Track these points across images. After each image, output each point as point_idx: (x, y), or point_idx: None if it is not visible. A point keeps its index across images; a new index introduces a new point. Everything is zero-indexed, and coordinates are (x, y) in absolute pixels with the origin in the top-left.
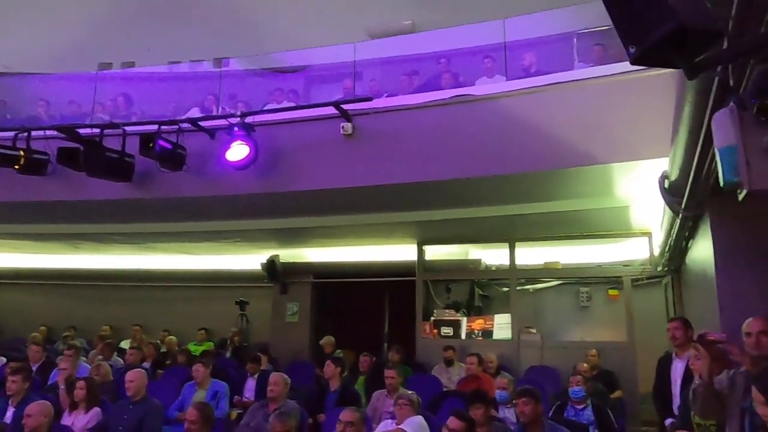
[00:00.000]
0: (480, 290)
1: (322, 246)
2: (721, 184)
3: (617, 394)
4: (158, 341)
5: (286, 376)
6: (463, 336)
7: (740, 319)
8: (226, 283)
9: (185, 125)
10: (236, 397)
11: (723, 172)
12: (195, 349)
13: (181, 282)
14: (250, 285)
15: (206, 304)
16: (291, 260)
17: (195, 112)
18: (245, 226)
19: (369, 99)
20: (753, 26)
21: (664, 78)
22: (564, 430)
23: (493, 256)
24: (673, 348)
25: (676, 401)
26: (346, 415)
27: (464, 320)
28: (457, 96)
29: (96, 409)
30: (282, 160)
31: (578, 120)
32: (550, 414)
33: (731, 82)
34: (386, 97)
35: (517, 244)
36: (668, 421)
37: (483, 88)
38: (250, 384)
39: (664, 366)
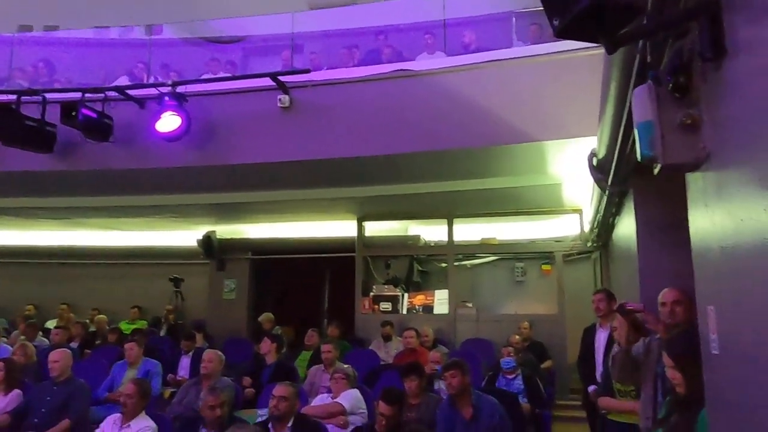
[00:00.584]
0: (419, 266)
1: (260, 222)
2: (639, 158)
3: (547, 364)
4: (87, 320)
5: (220, 353)
6: (403, 311)
7: (658, 291)
8: (160, 259)
9: (112, 94)
10: (170, 375)
11: (640, 146)
12: (126, 327)
13: (112, 259)
14: (186, 262)
15: (139, 282)
16: (228, 236)
17: (124, 81)
18: (179, 201)
19: (307, 71)
20: (671, 2)
21: (597, 58)
22: (490, 399)
23: (431, 232)
24: (598, 319)
25: (600, 369)
26: (279, 389)
27: (405, 296)
28: (397, 71)
29: (16, 391)
30: (216, 133)
31: (514, 98)
32: (483, 384)
33: (649, 59)
34: (326, 70)
35: (455, 220)
36: (591, 388)
37: (423, 63)
38: (185, 362)
39: (588, 336)
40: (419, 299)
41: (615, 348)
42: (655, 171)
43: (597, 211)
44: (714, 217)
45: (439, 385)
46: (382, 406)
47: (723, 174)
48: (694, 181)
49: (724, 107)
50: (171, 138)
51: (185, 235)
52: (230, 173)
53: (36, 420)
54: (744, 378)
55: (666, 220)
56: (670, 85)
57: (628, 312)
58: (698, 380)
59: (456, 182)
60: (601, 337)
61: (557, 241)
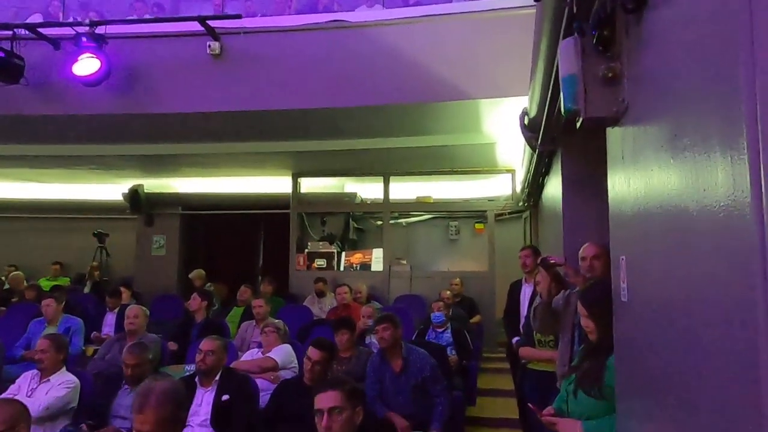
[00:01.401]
0: (355, 224)
1: (190, 176)
2: (563, 112)
3: (476, 319)
4: (2, 278)
5: (145, 309)
6: (341, 268)
7: (580, 246)
8: (83, 214)
9: (22, 32)
10: (94, 333)
11: (564, 100)
12: (47, 284)
13: (30, 213)
14: (111, 217)
15: (61, 237)
16: (156, 190)
17: (37, 19)
18: (102, 152)
19: (238, 16)
20: None
21: (531, 17)
22: (421, 351)
23: (368, 190)
24: (524, 275)
25: (524, 322)
26: (206, 344)
27: (342, 255)
28: (332, 21)
29: None
30: (140, 79)
31: (449, 54)
32: (414, 337)
33: (575, 10)
34: (260, 17)
35: (391, 178)
36: (515, 340)
37: (359, 14)
38: (110, 319)
39: (514, 291)
40: (357, 258)
41: (537, 300)
42: (578, 125)
43: (528, 171)
44: (628, 170)
45: (371, 339)
46: (312, 351)
47: (639, 128)
48: (613, 135)
49: (642, 60)
50: (90, 82)
51: (110, 189)
52: (156, 123)
53: None
54: (647, 322)
55: (590, 179)
56: (594, 38)
57: (550, 265)
58: (609, 328)
59: (392, 139)
60: (526, 292)
61: (490, 200)
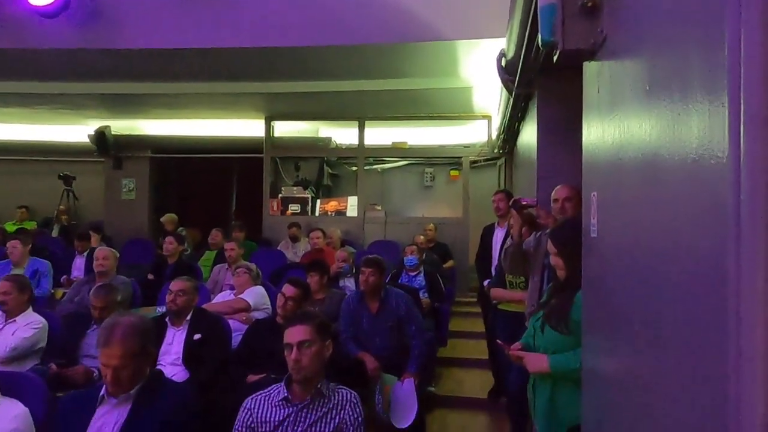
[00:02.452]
0: (330, 169)
1: (160, 118)
2: (540, 45)
3: (449, 264)
4: None
5: (114, 250)
6: (315, 213)
7: (552, 189)
8: (48, 156)
9: None
10: (63, 276)
11: (541, 31)
12: (12, 228)
13: None
14: (78, 159)
15: (25, 180)
16: (125, 132)
17: None
18: (64, 89)
19: None
20: None
21: None
22: (397, 291)
23: (343, 135)
24: (497, 219)
25: (495, 264)
26: (176, 284)
27: (318, 202)
28: None
29: None
30: (103, 11)
31: None
32: (387, 280)
33: None
34: None
35: (366, 123)
36: (486, 282)
37: None
38: (79, 262)
39: (487, 235)
40: (332, 205)
41: (508, 242)
42: (555, 58)
43: (504, 116)
44: (602, 104)
45: (344, 282)
46: (287, 288)
47: (616, 62)
48: (590, 69)
49: None
50: (47, 13)
51: (76, 130)
52: (121, 60)
53: None
54: (616, 259)
55: (565, 122)
56: None
57: (522, 207)
58: (577, 266)
59: (367, 82)
60: (498, 236)
61: (466, 147)
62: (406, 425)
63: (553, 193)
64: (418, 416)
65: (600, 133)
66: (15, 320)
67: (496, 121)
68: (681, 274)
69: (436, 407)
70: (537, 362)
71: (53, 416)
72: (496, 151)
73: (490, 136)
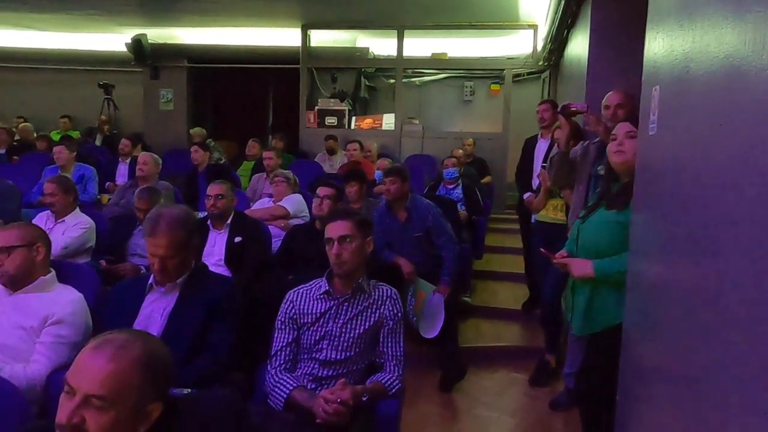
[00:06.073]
0: (367, 81)
1: (196, 25)
2: None
3: (487, 179)
4: (12, 129)
5: (156, 156)
6: (351, 126)
7: (603, 96)
8: (87, 65)
9: None
10: (108, 183)
11: None
12: (57, 137)
13: (32, 63)
14: (117, 69)
15: (66, 90)
16: (161, 41)
17: None
18: None
19: None
20: None
21: None
22: (423, 201)
23: (381, 45)
24: (540, 130)
25: (536, 180)
26: (213, 188)
27: (353, 118)
28: None
29: None
30: None
31: None
32: (424, 192)
33: None
34: None
35: (405, 32)
36: (527, 195)
37: None
38: (123, 169)
39: (529, 146)
40: (367, 123)
41: (554, 150)
42: None
43: (553, 22)
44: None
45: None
46: (320, 189)
47: None
48: None
49: None
50: None
51: (113, 39)
52: None
53: None
54: (674, 157)
55: (620, 26)
56: None
57: (571, 113)
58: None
59: None
60: (541, 147)
61: (509, 58)
62: (429, 336)
63: (604, 100)
64: (449, 325)
65: (666, 21)
66: (64, 220)
67: (543, 31)
68: (750, 187)
69: (470, 316)
70: (582, 267)
71: (105, 302)
72: (541, 63)
73: (535, 47)
